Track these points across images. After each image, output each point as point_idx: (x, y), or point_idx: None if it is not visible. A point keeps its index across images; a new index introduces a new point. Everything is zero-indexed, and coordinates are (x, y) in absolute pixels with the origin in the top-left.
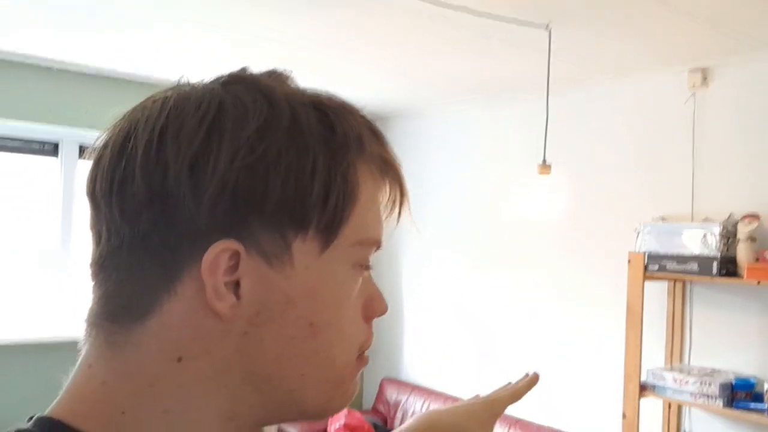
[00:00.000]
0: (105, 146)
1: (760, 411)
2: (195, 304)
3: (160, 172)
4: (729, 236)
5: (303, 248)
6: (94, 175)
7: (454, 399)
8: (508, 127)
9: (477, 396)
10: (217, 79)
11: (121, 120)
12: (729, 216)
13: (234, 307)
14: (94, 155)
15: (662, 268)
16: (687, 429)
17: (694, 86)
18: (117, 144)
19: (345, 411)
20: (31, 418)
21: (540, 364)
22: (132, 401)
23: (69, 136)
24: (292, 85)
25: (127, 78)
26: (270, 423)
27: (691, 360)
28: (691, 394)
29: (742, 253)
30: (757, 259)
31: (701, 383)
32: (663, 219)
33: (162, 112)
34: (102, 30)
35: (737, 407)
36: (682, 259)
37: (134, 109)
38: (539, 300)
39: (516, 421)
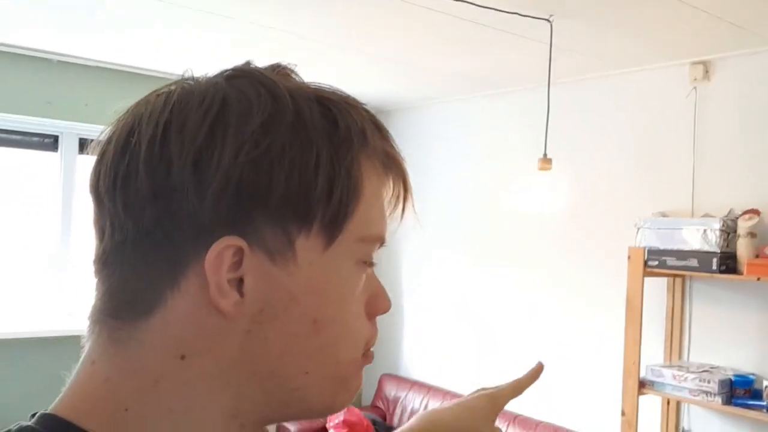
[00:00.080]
0: (108, 141)
1: (759, 408)
2: (199, 301)
3: (163, 167)
4: (729, 232)
5: (306, 245)
6: (97, 171)
7: (454, 395)
8: (509, 121)
9: (481, 389)
10: (221, 73)
11: (124, 115)
12: (729, 211)
13: (237, 304)
14: (97, 150)
15: (662, 264)
16: (686, 426)
17: (695, 80)
18: (120, 139)
19: None
20: (33, 415)
21: (540, 360)
22: (135, 398)
23: (69, 129)
24: (296, 80)
25: (128, 71)
26: (274, 421)
27: (690, 356)
28: (690, 390)
29: (742, 249)
30: (758, 255)
31: (700, 380)
32: (663, 214)
33: (166, 106)
34: (102, 23)
35: (736, 404)
36: (682, 254)
37: (138, 104)
38: (538, 295)
39: (515, 417)
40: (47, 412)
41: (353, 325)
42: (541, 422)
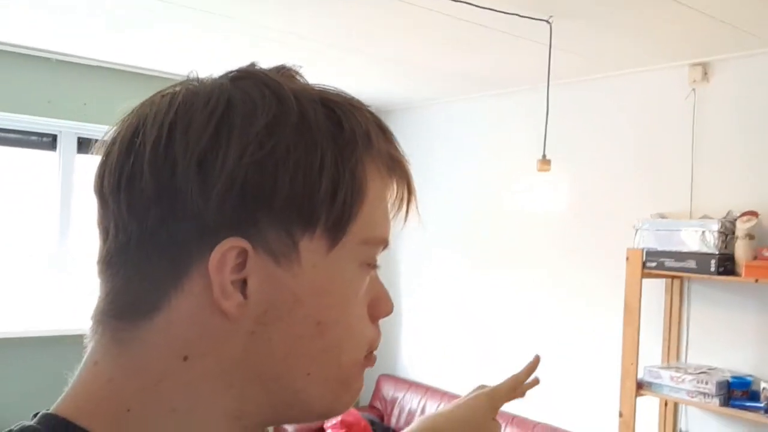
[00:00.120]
0: (113, 142)
1: (756, 410)
2: (202, 302)
3: (168, 168)
4: (727, 233)
5: (310, 246)
6: (101, 171)
7: (452, 396)
8: (509, 122)
9: (479, 386)
10: (226, 75)
11: (129, 115)
12: (728, 213)
13: (241, 306)
14: (101, 150)
15: (660, 266)
16: (683, 427)
17: (694, 81)
18: (125, 139)
19: None
20: (35, 414)
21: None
22: (138, 399)
23: (68, 128)
24: (301, 81)
25: (127, 70)
26: (277, 422)
27: (688, 358)
28: (688, 392)
29: (741, 251)
30: (756, 257)
31: (698, 381)
32: (661, 216)
33: (171, 107)
34: (102, 23)
35: (733, 406)
36: (680, 256)
37: (142, 104)
38: (537, 296)
39: (513, 418)
40: (49, 412)
41: (357, 327)
42: (539, 423)
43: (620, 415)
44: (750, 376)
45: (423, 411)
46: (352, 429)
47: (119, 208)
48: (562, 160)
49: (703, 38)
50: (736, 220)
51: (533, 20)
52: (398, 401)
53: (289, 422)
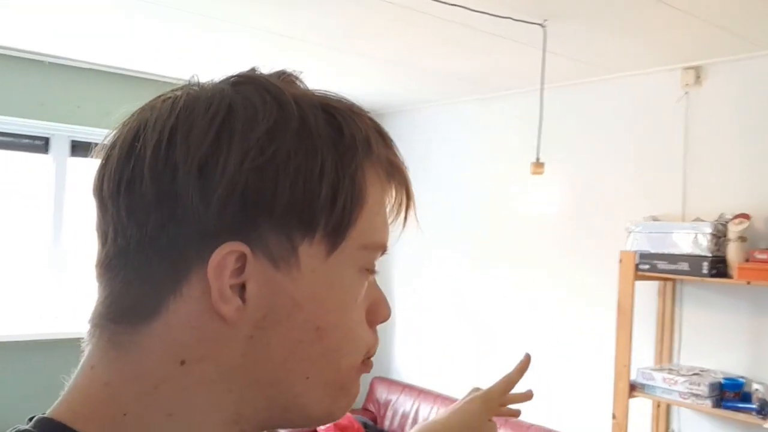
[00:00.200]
0: (113, 145)
1: (749, 411)
2: (201, 306)
3: (168, 172)
4: (720, 236)
5: (310, 251)
6: (101, 175)
7: (445, 398)
8: (504, 124)
9: (474, 389)
10: (227, 80)
11: (129, 119)
12: (720, 216)
13: (240, 310)
14: (101, 154)
15: (653, 268)
16: (676, 428)
17: (687, 85)
18: (125, 144)
19: None
20: (31, 418)
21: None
22: (135, 403)
23: (60, 131)
24: (301, 87)
25: (121, 73)
26: (275, 427)
27: (681, 360)
28: (680, 393)
29: (733, 253)
30: (748, 260)
31: (690, 383)
32: (654, 218)
33: (172, 112)
34: (95, 26)
35: (726, 407)
36: (672, 258)
37: (143, 109)
38: (531, 298)
39: (506, 420)
40: (45, 415)
41: (355, 332)
42: (533, 425)
43: (613, 416)
44: (742, 377)
45: (416, 413)
46: (346, 431)
47: (119, 212)
48: (556, 162)
49: (695, 42)
50: (728, 222)
51: (527, 24)
52: (392, 404)
53: (287, 427)
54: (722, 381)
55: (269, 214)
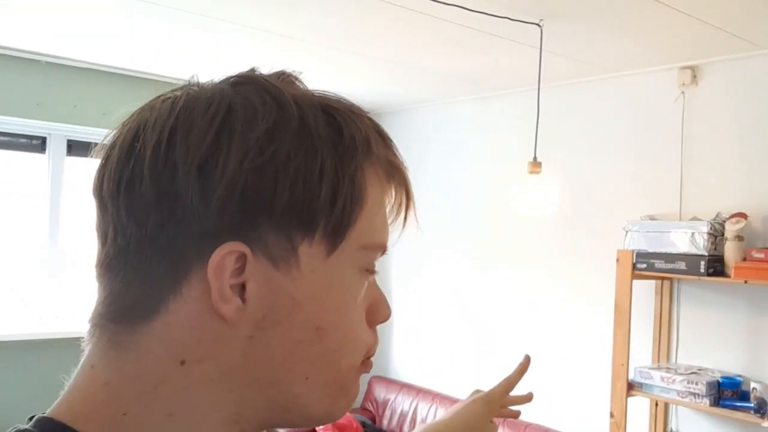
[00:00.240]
0: (113, 145)
1: (746, 410)
2: (201, 306)
3: (168, 172)
4: (717, 235)
5: (310, 251)
6: (101, 175)
7: (443, 397)
8: (501, 124)
9: (476, 391)
10: (226, 80)
11: (129, 119)
12: (717, 215)
13: (240, 310)
14: (101, 154)
15: (650, 267)
16: (674, 427)
17: (683, 84)
18: (125, 144)
19: None
20: (31, 418)
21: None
22: (135, 403)
23: (57, 131)
24: (301, 87)
25: (118, 73)
26: (274, 426)
27: (678, 359)
28: (678, 392)
29: (730, 252)
30: (745, 258)
31: (688, 382)
32: (651, 217)
33: (171, 112)
34: (93, 24)
35: (723, 406)
36: (670, 257)
37: (142, 109)
38: (528, 297)
39: (504, 419)
40: (45, 415)
41: (355, 332)
42: (531, 424)
43: (611, 415)
44: (740, 376)
45: (414, 413)
46: (344, 431)
47: (118, 212)
48: (553, 162)
49: (692, 42)
50: (725, 221)
51: (524, 23)
52: (390, 403)
53: (287, 426)
54: (720, 380)
55: (269, 214)
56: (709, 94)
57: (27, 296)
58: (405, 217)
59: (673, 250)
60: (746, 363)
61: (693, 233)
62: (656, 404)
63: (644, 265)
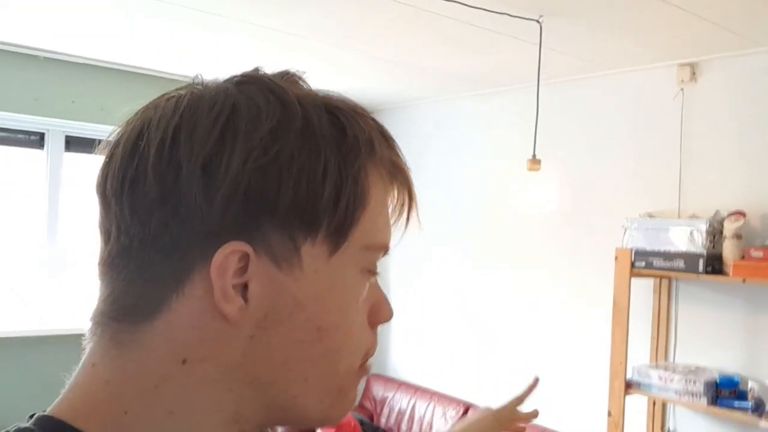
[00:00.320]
0: (117, 144)
1: (744, 409)
2: (203, 306)
3: (172, 171)
4: (715, 233)
5: (312, 251)
6: (104, 173)
7: (441, 396)
8: (501, 121)
9: (485, 408)
10: (231, 79)
11: (133, 117)
12: (715, 213)
13: (242, 309)
14: (105, 152)
15: (649, 265)
16: (671, 426)
17: (683, 81)
18: (129, 142)
19: None
20: (32, 416)
21: (527, 361)
22: (136, 401)
23: (55, 126)
24: (305, 87)
25: (116, 68)
26: (273, 426)
27: (676, 357)
28: (676, 391)
29: (728, 251)
30: (743, 257)
31: (686, 381)
32: (650, 215)
33: (176, 111)
34: (92, 21)
35: (721, 405)
36: (668, 255)
37: (147, 107)
38: (526, 296)
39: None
40: (45, 413)
41: (356, 333)
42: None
43: (609, 414)
44: (737, 375)
45: (412, 411)
46: (342, 428)
47: (122, 210)
48: (553, 159)
49: (691, 39)
50: (724, 220)
51: (523, 20)
52: (388, 401)
53: (285, 425)
54: (718, 379)
55: (272, 214)
56: (708, 92)
57: (26, 293)
58: (407, 218)
59: (672, 249)
60: (744, 362)
61: (692, 231)
62: (654, 403)
63: (643, 264)
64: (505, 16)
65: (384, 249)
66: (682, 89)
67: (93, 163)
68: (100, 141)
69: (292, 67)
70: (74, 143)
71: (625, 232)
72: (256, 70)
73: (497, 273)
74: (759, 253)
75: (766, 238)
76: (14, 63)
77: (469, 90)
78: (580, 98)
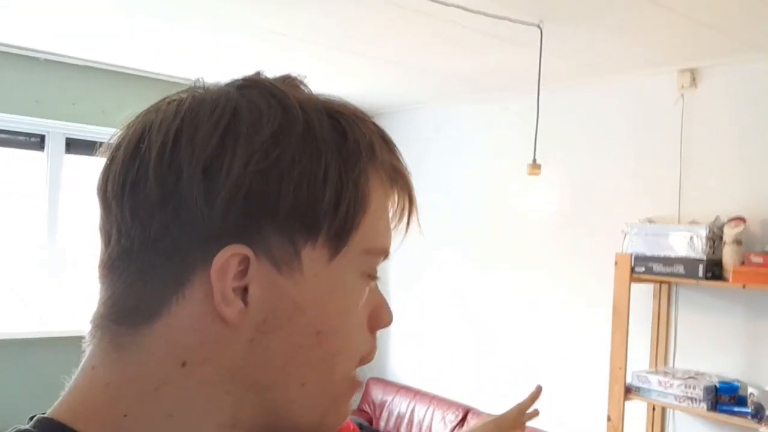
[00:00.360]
0: (118, 146)
1: (744, 415)
2: (203, 309)
3: (173, 174)
4: (715, 239)
5: (312, 255)
6: (105, 176)
7: (440, 399)
8: (501, 125)
9: (488, 415)
10: (232, 83)
11: (134, 120)
12: (715, 219)
13: (242, 313)
14: (106, 155)
15: (648, 270)
16: None
17: (683, 87)
18: (130, 145)
19: None
20: (32, 418)
21: (526, 365)
22: (136, 404)
23: (56, 128)
24: (306, 91)
25: (117, 70)
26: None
27: (676, 363)
28: (676, 397)
29: (728, 256)
30: (743, 263)
31: (685, 386)
32: (650, 221)
33: (177, 114)
34: (92, 22)
35: (721, 411)
36: (668, 261)
37: (148, 111)
38: (526, 300)
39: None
40: (45, 415)
41: (355, 338)
42: (528, 427)
43: (608, 419)
44: (737, 381)
45: (412, 415)
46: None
47: (122, 213)
48: (553, 163)
49: (691, 44)
50: (723, 225)
51: (524, 25)
52: (387, 404)
53: None
54: (717, 384)
55: (273, 218)
56: (709, 97)
57: (26, 294)
58: (408, 222)
59: (672, 254)
60: (744, 368)
61: (691, 237)
62: (653, 408)
63: (642, 269)
64: (506, 20)
65: (384, 253)
66: (682, 95)
67: (93, 166)
68: (100, 143)
69: (293, 70)
70: (75, 145)
71: (624, 237)
72: (258, 73)
73: (497, 275)
74: (759, 259)
75: (766, 243)
76: (15, 65)
77: (470, 94)
78: (581, 103)
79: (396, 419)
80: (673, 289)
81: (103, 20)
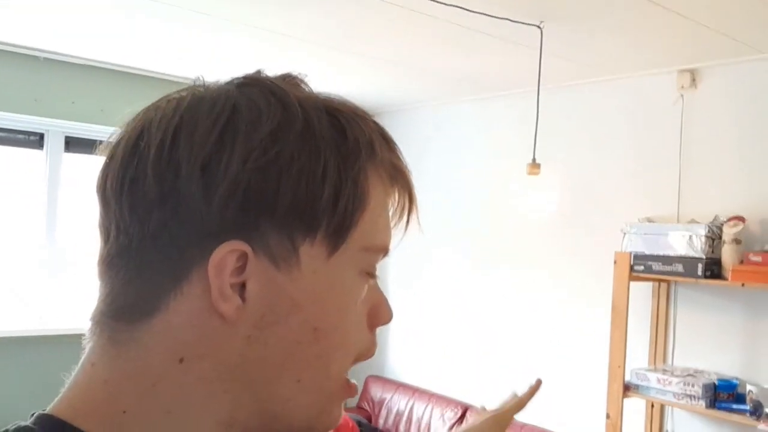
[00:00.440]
0: (117, 144)
1: (742, 412)
2: (201, 305)
3: (172, 171)
4: (714, 238)
5: (311, 252)
6: (105, 173)
7: (439, 397)
8: (501, 125)
9: (483, 409)
10: (232, 81)
11: (134, 118)
12: (714, 218)
13: (239, 309)
14: (105, 152)
15: (648, 269)
16: (670, 429)
17: (682, 87)
18: (130, 142)
19: None
20: (32, 414)
21: (525, 363)
22: (134, 401)
23: (55, 127)
24: (306, 89)
25: (116, 69)
26: None
27: (675, 360)
28: (674, 394)
29: (727, 255)
30: (742, 261)
31: (684, 384)
32: (649, 220)
33: (176, 111)
34: (92, 22)
35: (719, 408)
36: (667, 260)
37: (148, 109)
38: (525, 298)
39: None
40: (45, 412)
41: (352, 335)
42: (527, 425)
43: (607, 416)
44: (736, 378)
45: (411, 412)
46: (340, 430)
47: (121, 209)
48: (552, 163)
49: (691, 45)
50: (723, 224)
51: (524, 25)
52: (386, 402)
53: None
54: (716, 382)
55: (271, 214)
56: (708, 98)
57: (25, 293)
58: (407, 220)
59: (671, 253)
60: (742, 366)
61: (691, 236)
62: (652, 406)
63: (642, 267)
64: (506, 21)
65: (384, 251)
66: (682, 95)
67: (92, 164)
68: (99, 142)
69: (293, 69)
70: (74, 144)
71: (624, 236)
72: (258, 72)
73: (497, 274)
74: (758, 258)
75: (765, 242)
76: (14, 63)
77: (470, 93)
78: (581, 103)
79: (395, 417)
80: (672, 287)
81: (103, 20)
